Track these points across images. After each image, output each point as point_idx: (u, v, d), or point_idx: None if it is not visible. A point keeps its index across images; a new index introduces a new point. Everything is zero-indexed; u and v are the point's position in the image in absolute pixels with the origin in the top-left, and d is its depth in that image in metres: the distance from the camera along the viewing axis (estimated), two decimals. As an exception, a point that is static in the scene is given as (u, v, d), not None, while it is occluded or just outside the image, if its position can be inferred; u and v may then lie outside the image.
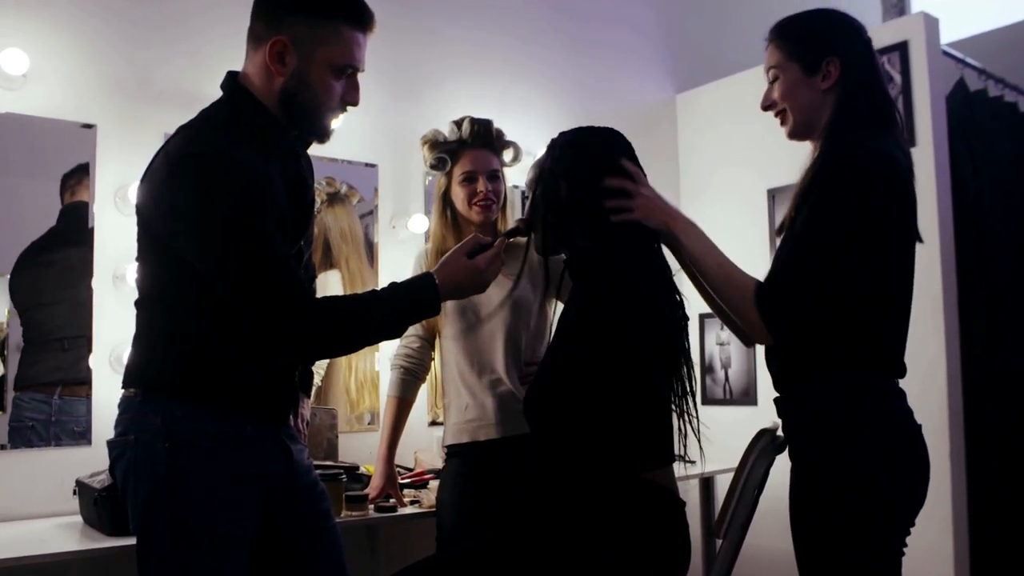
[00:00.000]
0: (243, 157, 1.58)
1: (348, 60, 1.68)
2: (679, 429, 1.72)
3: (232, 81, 1.71)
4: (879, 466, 1.63)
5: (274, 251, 1.57)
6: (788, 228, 1.75)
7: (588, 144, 1.81)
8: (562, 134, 1.84)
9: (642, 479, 1.64)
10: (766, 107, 1.87)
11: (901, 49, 3.33)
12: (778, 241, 1.81)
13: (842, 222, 1.64)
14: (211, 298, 1.60)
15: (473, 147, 2.49)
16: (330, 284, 3.16)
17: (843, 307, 1.68)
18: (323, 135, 1.75)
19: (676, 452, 1.72)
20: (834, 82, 1.76)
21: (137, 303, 1.71)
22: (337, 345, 1.72)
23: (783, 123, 1.85)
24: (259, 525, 1.67)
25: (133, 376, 1.67)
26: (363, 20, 1.70)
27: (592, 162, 1.77)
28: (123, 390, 1.69)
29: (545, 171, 1.78)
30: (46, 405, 2.54)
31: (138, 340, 1.70)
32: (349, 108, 1.75)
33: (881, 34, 3.41)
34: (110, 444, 1.69)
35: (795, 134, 1.84)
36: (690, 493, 3.48)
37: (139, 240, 1.69)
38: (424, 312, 1.74)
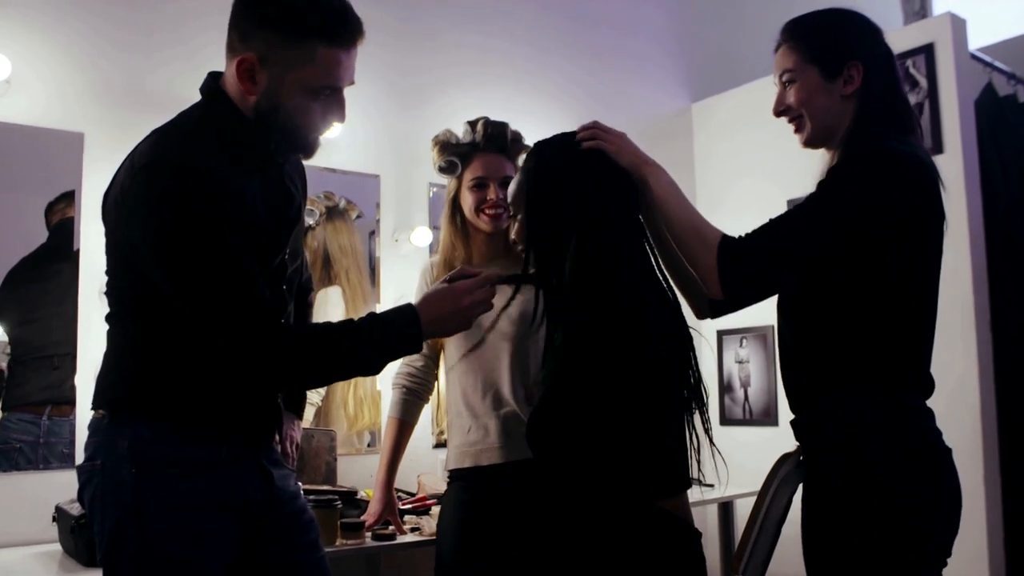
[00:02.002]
0: (208, 166, 1.46)
1: (325, 82, 1.52)
2: (692, 444, 1.61)
3: (212, 84, 1.58)
4: (914, 492, 1.52)
5: (236, 269, 1.45)
6: None
7: (578, 145, 1.68)
8: (541, 142, 1.72)
9: (655, 508, 1.54)
10: (779, 113, 1.76)
11: (927, 52, 3.23)
12: None
13: (873, 227, 1.54)
14: (180, 313, 1.49)
15: (486, 151, 2.38)
16: (331, 300, 3.09)
17: (868, 318, 1.58)
18: (306, 152, 1.62)
19: (691, 474, 1.62)
20: (856, 88, 1.66)
21: (107, 317, 1.61)
22: (302, 377, 1.59)
23: (798, 130, 1.74)
24: (236, 557, 1.56)
25: (101, 396, 1.57)
26: (343, 38, 1.53)
27: (588, 163, 1.65)
28: (92, 411, 1.59)
29: (531, 178, 1.66)
30: (34, 426, 2.45)
31: (107, 357, 1.60)
32: (338, 124, 1.63)
33: (905, 36, 3.32)
34: (79, 469, 1.59)
35: (811, 142, 1.74)
36: (708, 519, 3.35)
37: (106, 251, 1.58)
38: (404, 348, 1.59)
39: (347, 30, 1.53)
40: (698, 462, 1.62)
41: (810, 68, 1.68)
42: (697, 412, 1.61)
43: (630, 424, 1.52)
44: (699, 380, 1.62)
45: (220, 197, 1.45)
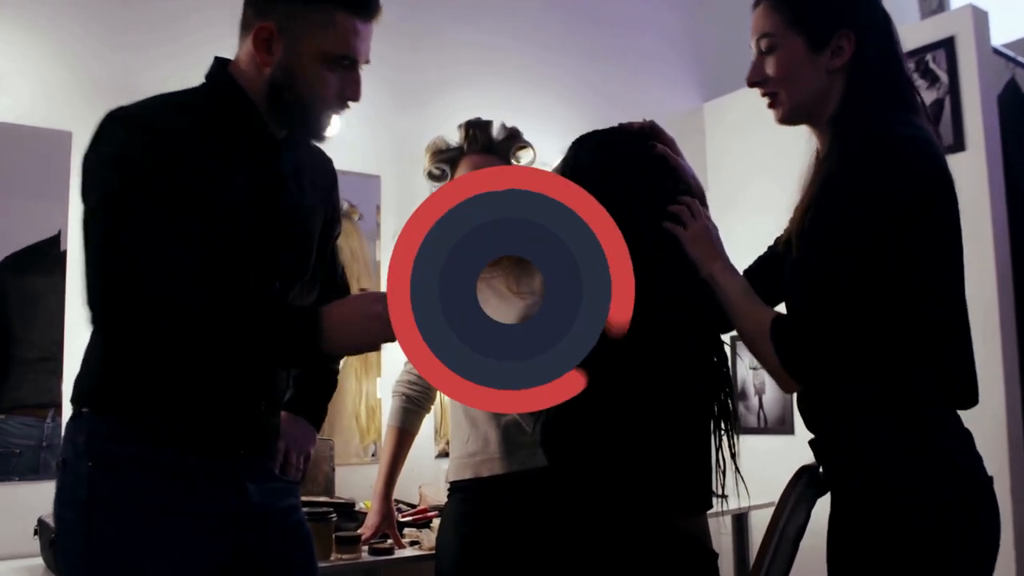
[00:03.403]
0: (169, 126, 1.41)
1: (343, 50, 1.48)
2: (718, 465, 1.54)
3: (217, 67, 1.55)
4: (948, 525, 1.31)
5: (141, 230, 1.34)
6: (800, 242, 1.43)
7: (620, 142, 1.63)
8: (584, 135, 1.66)
9: (672, 527, 1.47)
10: (754, 83, 1.57)
11: (947, 46, 3.12)
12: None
13: (879, 223, 1.34)
14: None
15: (471, 153, 2.33)
16: None
17: (892, 327, 1.37)
18: (318, 133, 1.56)
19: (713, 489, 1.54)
20: (846, 61, 1.46)
21: None
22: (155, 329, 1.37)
23: (772, 105, 1.54)
24: (209, 572, 1.45)
25: (74, 391, 1.49)
26: (362, 7, 1.50)
27: (620, 162, 1.59)
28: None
29: (566, 168, 1.60)
30: (36, 429, 2.40)
31: (86, 350, 1.52)
32: (351, 105, 1.56)
33: (925, 29, 3.23)
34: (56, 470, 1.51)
35: (788, 120, 1.54)
36: (722, 531, 3.25)
37: None
38: (292, 357, 1.43)
39: (366, 1, 1.51)
40: (722, 485, 1.54)
41: (794, 35, 1.48)
42: (725, 433, 1.53)
43: (652, 435, 1.45)
44: (730, 396, 1.53)
45: (171, 153, 1.38)
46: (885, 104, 1.44)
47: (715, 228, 1.60)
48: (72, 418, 1.46)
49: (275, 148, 1.54)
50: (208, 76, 1.55)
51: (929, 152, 1.39)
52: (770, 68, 1.52)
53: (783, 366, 1.37)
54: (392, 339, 1.36)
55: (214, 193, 1.43)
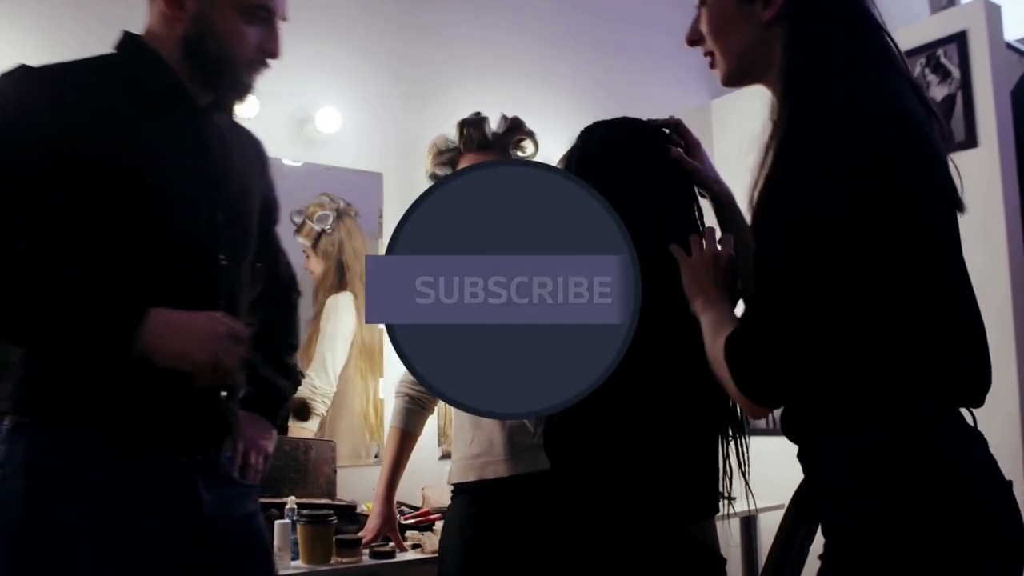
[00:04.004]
0: (64, 81, 1.34)
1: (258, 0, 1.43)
2: (725, 472, 1.51)
3: (126, 37, 1.47)
4: (948, 526, 1.16)
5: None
6: (755, 233, 1.27)
7: (629, 135, 1.59)
8: (595, 123, 1.61)
9: (679, 532, 1.44)
10: (692, 42, 1.42)
11: (959, 40, 3.08)
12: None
13: (837, 202, 1.13)
14: None
15: (467, 152, 2.30)
16: (341, 306, 3.01)
17: (869, 328, 1.19)
18: (240, 91, 1.48)
19: (720, 492, 1.51)
20: (778, 9, 1.27)
21: None
22: None
23: (713, 65, 1.39)
24: None
25: (11, 397, 1.35)
26: None
27: (627, 157, 1.55)
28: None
29: (572, 156, 1.56)
30: None
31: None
32: (272, 63, 1.49)
33: (936, 24, 3.17)
34: None
35: (730, 81, 1.39)
36: (730, 534, 3.21)
37: None
38: (98, 347, 1.26)
39: None
40: (729, 489, 1.50)
41: None
42: (733, 439, 1.50)
43: (654, 436, 1.42)
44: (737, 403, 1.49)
45: (63, 112, 1.31)
46: (836, 57, 1.24)
47: (725, 257, 1.45)
48: (10, 429, 1.32)
49: (196, 114, 1.46)
50: (117, 46, 1.46)
51: (899, 115, 1.19)
52: (703, 24, 1.37)
53: (739, 389, 1.18)
54: (232, 372, 1.32)
55: (116, 158, 1.34)
